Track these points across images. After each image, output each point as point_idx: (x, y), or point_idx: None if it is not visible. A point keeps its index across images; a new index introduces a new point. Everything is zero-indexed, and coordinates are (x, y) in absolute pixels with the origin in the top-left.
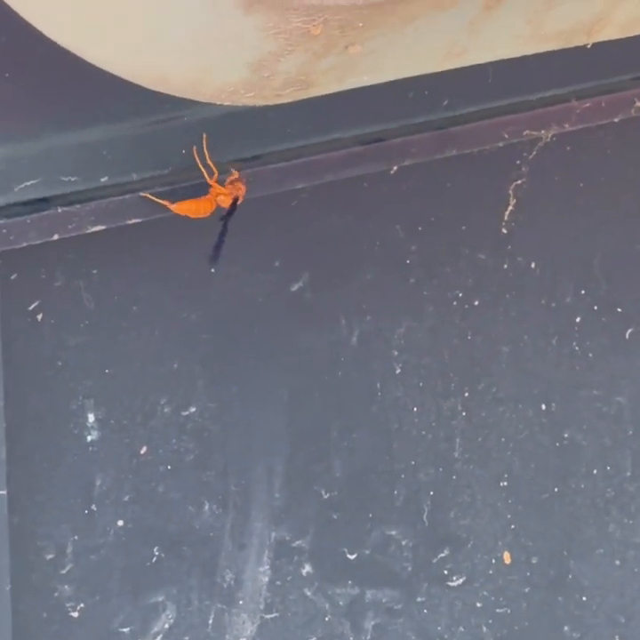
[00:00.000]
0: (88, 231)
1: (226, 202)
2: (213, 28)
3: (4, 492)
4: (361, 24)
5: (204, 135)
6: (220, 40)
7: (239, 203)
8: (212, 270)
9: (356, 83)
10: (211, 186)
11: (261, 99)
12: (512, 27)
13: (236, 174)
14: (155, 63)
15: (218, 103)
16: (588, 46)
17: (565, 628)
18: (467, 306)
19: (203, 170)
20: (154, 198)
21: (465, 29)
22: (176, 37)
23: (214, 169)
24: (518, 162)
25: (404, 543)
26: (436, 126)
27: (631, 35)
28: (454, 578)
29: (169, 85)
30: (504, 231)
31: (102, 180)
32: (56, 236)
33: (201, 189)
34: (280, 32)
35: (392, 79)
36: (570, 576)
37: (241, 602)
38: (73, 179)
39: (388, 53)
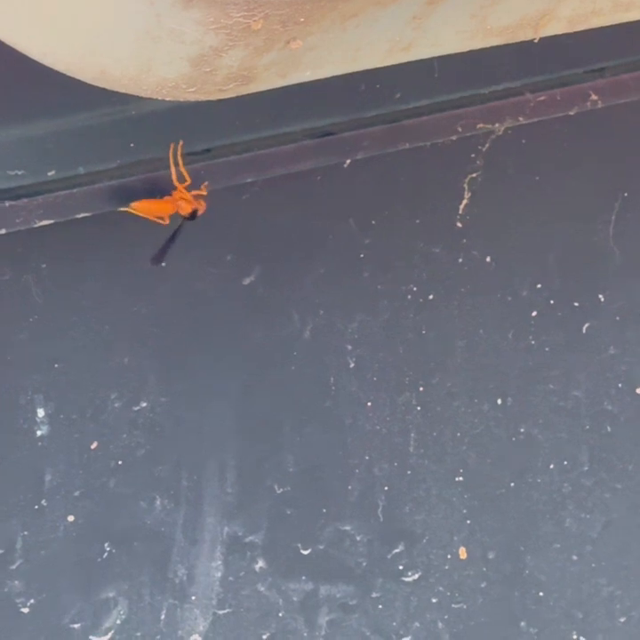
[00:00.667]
0: (36, 225)
1: (185, 209)
2: (151, 23)
3: None
4: (302, 19)
5: (180, 142)
6: (158, 35)
7: (196, 217)
8: (163, 264)
9: (299, 78)
10: (175, 189)
11: (203, 94)
12: (456, 22)
13: (204, 190)
14: (93, 59)
15: (160, 98)
16: (536, 41)
17: (522, 623)
18: (421, 300)
19: (173, 170)
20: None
21: (408, 25)
22: (114, 33)
23: (187, 177)
24: (473, 155)
25: (358, 538)
26: (388, 120)
27: (578, 30)
28: (409, 573)
29: (108, 81)
30: (459, 225)
31: (49, 174)
32: (3, 231)
33: (149, 187)
34: (220, 27)
35: (335, 74)
36: (526, 571)
37: (193, 597)
38: (19, 173)
39: (330, 49)
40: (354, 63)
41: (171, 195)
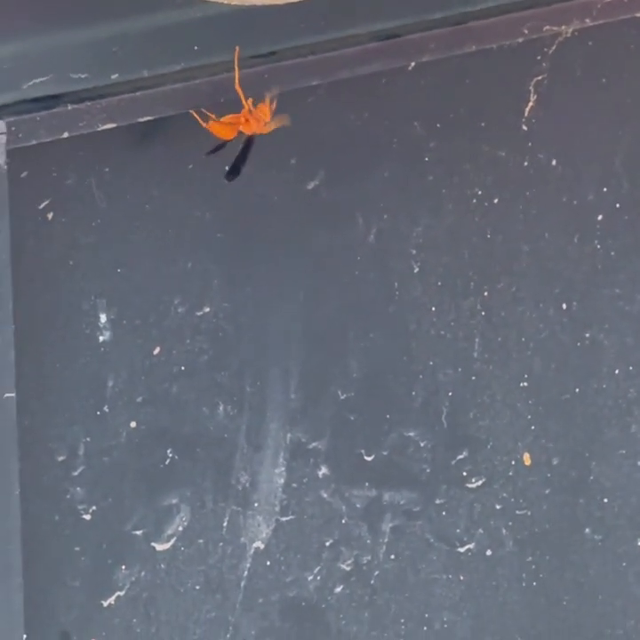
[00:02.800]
0: (99, 129)
1: (251, 129)
2: None
3: (12, 395)
4: None
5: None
6: None
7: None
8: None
9: None
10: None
11: None
12: None
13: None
14: None
15: (226, 2)
16: None
17: (586, 530)
18: (486, 204)
19: (237, 74)
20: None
21: None
22: None
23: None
24: (539, 57)
25: (422, 445)
26: (453, 22)
27: None
28: (473, 479)
29: None
30: (524, 128)
31: (113, 77)
32: (66, 134)
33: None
34: None
35: None
36: (591, 477)
37: (256, 504)
38: (83, 76)
39: None
40: None
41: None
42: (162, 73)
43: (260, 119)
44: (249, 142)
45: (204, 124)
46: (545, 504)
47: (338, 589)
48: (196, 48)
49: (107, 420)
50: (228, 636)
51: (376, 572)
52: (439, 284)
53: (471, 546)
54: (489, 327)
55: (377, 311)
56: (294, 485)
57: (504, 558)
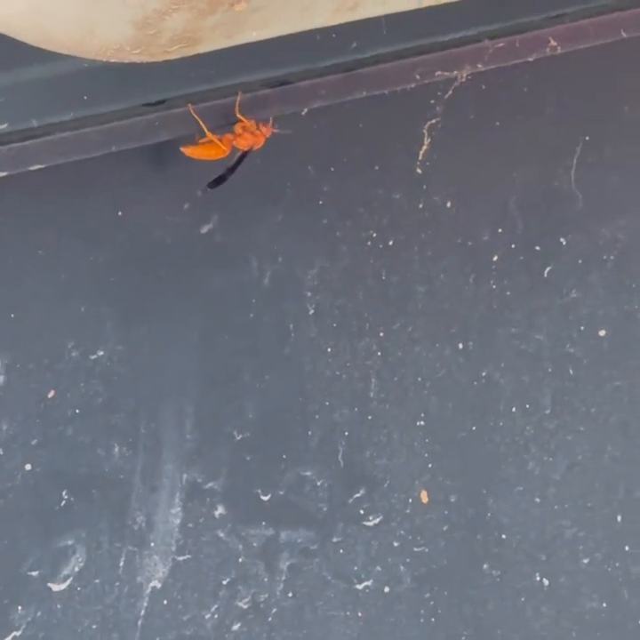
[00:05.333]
0: None
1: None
2: None
3: None
4: None
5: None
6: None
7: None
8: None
9: (245, 39)
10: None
11: (148, 56)
12: None
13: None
14: (36, 24)
15: (104, 60)
16: None
17: (485, 565)
18: (381, 246)
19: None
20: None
21: None
22: None
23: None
24: (432, 101)
25: (319, 483)
26: (344, 68)
27: None
28: (371, 517)
29: (52, 44)
30: (419, 171)
31: (2, 126)
32: None
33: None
34: None
35: (282, 34)
36: (489, 514)
37: (152, 544)
38: None
39: (275, 10)
40: (300, 23)
41: (232, 132)
42: (51, 122)
43: (254, 133)
44: (244, 156)
45: (187, 152)
46: (443, 540)
47: (235, 627)
48: (85, 97)
49: (2, 462)
50: None
51: (274, 610)
52: (334, 325)
53: (369, 583)
54: (385, 367)
55: (272, 352)
56: (190, 525)
57: (402, 595)
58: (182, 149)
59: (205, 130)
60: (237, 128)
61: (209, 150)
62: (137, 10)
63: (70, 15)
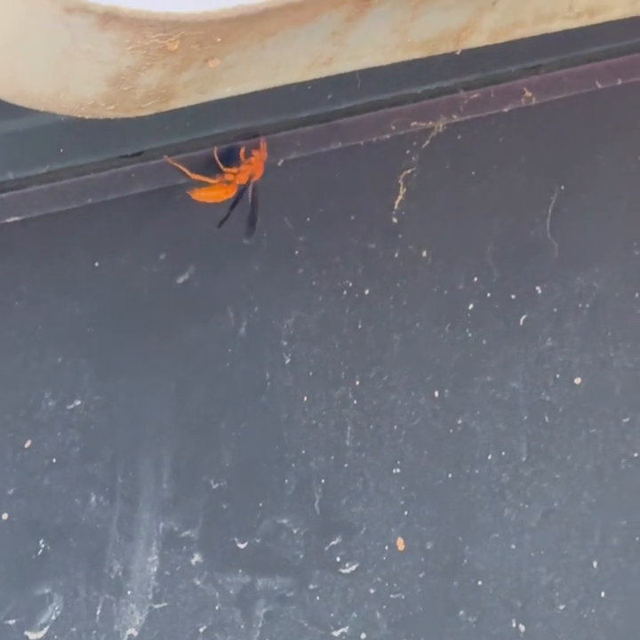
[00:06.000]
0: None
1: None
2: (68, 43)
3: None
4: (219, 39)
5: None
6: (75, 56)
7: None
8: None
9: (219, 94)
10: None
11: (123, 111)
12: (377, 36)
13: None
14: (11, 80)
15: (79, 116)
16: (458, 53)
17: (461, 612)
18: (357, 295)
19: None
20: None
21: (328, 40)
22: (30, 53)
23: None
24: (408, 151)
25: (295, 531)
26: (320, 119)
27: (500, 41)
28: (347, 565)
29: (26, 100)
30: (394, 220)
31: None
32: None
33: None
34: (137, 48)
35: (256, 90)
36: (465, 561)
37: (129, 592)
38: None
39: (249, 66)
40: (274, 79)
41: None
42: (28, 175)
43: (249, 162)
44: (254, 190)
45: (194, 196)
46: (419, 587)
47: None
48: (61, 150)
49: None
50: None
51: None
52: (310, 374)
53: (345, 629)
54: (361, 415)
55: (249, 401)
56: (167, 573)
57: None
58: (189, 194)
59: (188, 174)
60: (228, 175)
61: (218, 191)
62: (111, 66)
63: (45, 72)
